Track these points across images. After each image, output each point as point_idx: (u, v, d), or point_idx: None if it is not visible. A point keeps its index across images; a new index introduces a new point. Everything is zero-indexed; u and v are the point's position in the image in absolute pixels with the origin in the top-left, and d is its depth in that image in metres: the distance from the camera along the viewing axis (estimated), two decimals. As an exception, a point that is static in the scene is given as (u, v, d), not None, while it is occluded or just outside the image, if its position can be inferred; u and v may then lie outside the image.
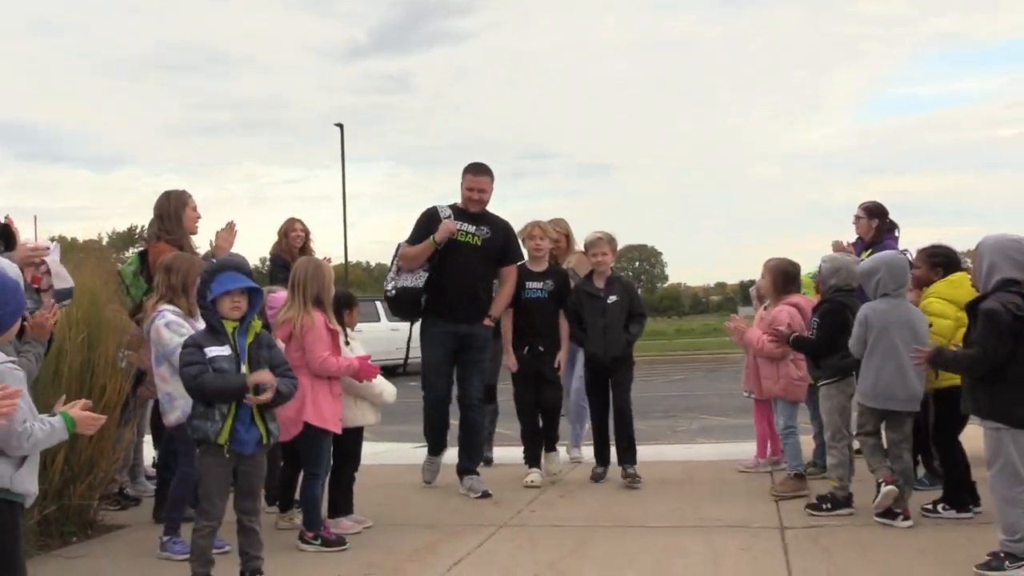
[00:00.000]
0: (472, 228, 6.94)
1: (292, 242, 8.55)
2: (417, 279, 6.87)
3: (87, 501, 5.93)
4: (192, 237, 6.60)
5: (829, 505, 5.83)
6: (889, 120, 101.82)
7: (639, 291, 8.21)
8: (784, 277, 6.76)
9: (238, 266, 4.50)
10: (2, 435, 3.25)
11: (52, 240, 5.43)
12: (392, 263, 7.11)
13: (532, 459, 7.30)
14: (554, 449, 7.56)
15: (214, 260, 5.29)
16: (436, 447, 7.20)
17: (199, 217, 6.62)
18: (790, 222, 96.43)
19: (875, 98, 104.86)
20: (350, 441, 5.84)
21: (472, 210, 6.97)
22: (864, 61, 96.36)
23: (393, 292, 6.97)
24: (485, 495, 6.75)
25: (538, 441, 7.35)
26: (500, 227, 7.09)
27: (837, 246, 7.15)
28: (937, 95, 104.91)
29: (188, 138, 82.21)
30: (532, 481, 7.07)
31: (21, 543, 3.59)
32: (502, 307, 7.09)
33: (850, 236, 7.43)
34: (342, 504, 5.85)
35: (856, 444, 5.94)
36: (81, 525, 5.91)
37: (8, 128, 68.73)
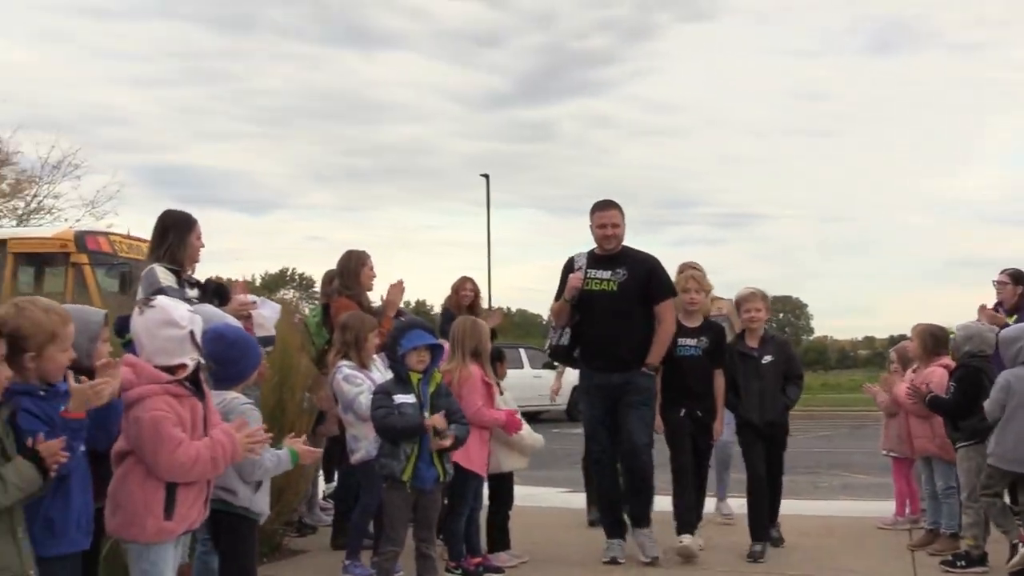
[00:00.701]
0: (606, 274, 6.55)
1: (461, 300, 8.97)
2: (564, 336, 6.68)
3: (276, 526, 6.68)
4: (368, 292, 7.37)
5: (964, 563, 6.05)
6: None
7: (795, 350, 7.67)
8: (934, 340, 6.94)
9: (423, 325, 5.22)
10: (245, 466, 3.95)
11: (247, 284, 6.29)
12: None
13: (687, 524, 6.52)
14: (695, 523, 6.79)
15: (402, 319, 6.02)
16: (611, 525, 6.59)
17: (375, 276, 7.37)
18: (938, 273, 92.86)
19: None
20: (503, 484, 6.45)
21: (607, 248, 6.57)
22: (1019, 107, 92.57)
23: (548, 350, 7.07)
24: (653, 562, 6.34)
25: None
26: (640, 263, 6.60)
27: (988, 316, 7.31)
28: None
29: (335, 184, 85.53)
30: (686, 543, 6.36)
31: (255, 555, 4.30)
32: (660, 352, 6.48)
33: (992, 297, 7.61)
34: (499, 540, 6.43)
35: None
36: (270, 548, 6.66)
37: (165, 171, 72.94)
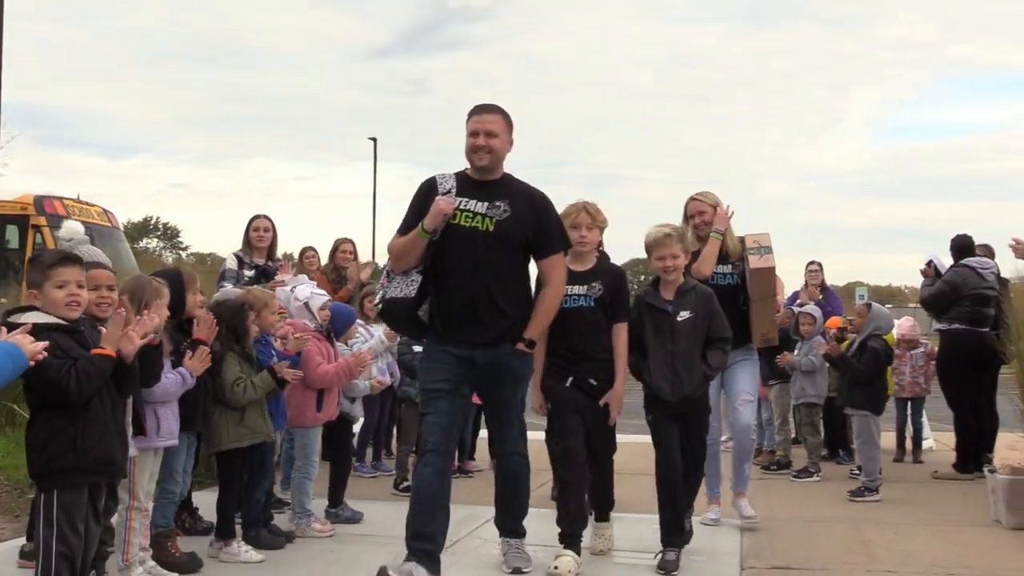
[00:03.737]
0: (481, 207, 4.70)
1: (339, 261, 8.74)
2: (409, 286, 4.74)
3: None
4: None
5: (795, 474, 8.61)
6: (904, 144, 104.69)
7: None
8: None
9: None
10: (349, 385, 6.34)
11: None
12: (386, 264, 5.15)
13: (570, 536, 5.07)
14: (606, 518, 5.48)
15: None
16: (422, 549, 4.58)
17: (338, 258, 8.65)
18: (798, 241, 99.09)
19: (892, 122, 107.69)
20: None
21: (479, 166, 4.73)
22: (883, 84, 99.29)
23: (380, 306, 4.96)
24: (516, 573, 4.92)
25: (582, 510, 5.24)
26: (528, 199, 4.82)
27: (810, 294, 9.25)
28: (953, 122, 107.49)
29: (203, 130, 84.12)
30: (557, 569, 4.86)
31: (350, 444, 6.87)
32: (544, 323, 4.86)
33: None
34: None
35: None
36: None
37: (25, 112, 70.43)
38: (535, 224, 4.79)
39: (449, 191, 4.74)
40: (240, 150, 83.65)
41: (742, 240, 6.08)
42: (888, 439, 8.63)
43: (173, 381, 4.52)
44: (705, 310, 5.26)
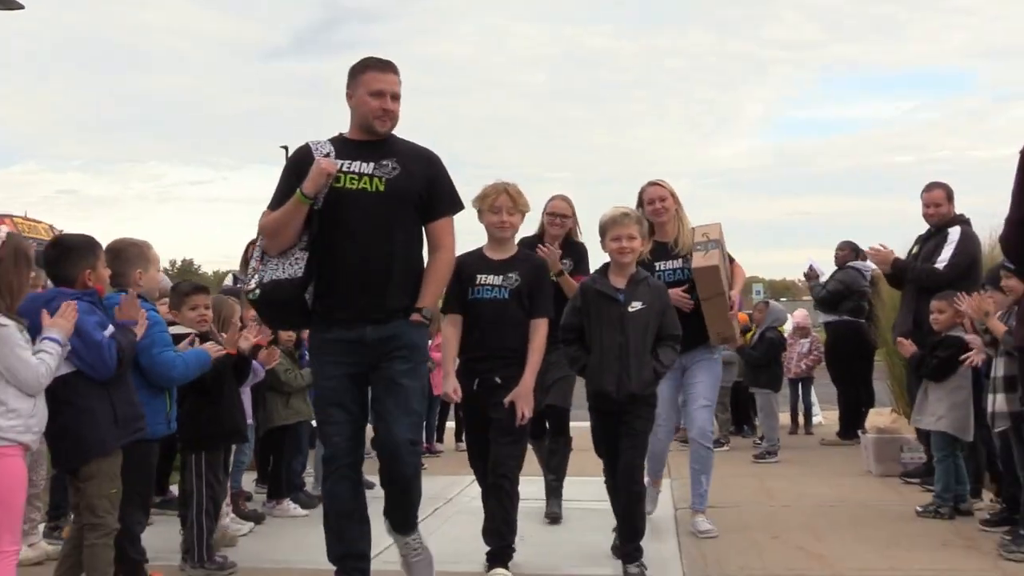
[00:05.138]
0: (367, 167, 4.21)
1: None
2: (293, 265, 4.16)
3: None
4: None
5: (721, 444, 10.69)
6: (793, 141, 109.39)
7: None
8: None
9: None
10: None
11: None
12: (254, 248, 4.36)
13: (496, 556, 4.77)
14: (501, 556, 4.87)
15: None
16: (357, 569, 4.26)
17: None
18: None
19: (781, 119, 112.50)
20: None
21: (381, 130, 4.25)
22: (772, 83, 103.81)
23: (257, 292, 4.18)
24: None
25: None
26: (417, 156, 4.34)
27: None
28: (840, 119, 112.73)
29: (89, 135, 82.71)
30: None
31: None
32: (437, 291, 4.41)
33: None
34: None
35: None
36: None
37: None
38: (427, 183, 4.29)
39: (327, 155, 4.20)
40: (130, 155, 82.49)
41: (694, 232, 5.76)
42: (784, 418, 10.38)
43: (251, 377, 5.88)
44: (658, 303, 4.88)
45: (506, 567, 4.77)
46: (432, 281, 4.30)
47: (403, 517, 4.37)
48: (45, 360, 3.65)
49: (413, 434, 4.22)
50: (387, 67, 4.27)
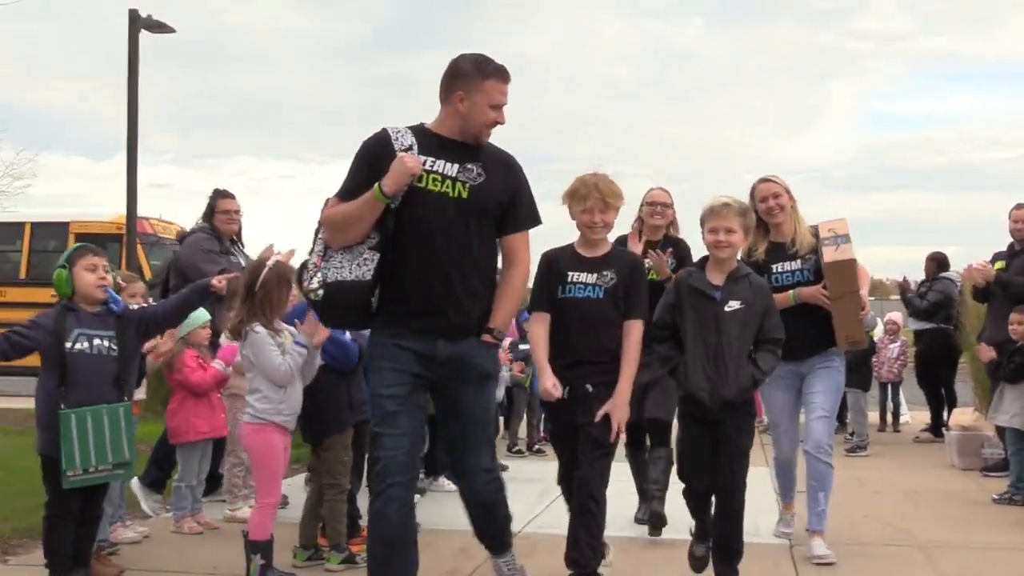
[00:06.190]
0: (452, 169, 3.94)
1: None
2: (361, 266, 3.88)
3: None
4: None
5: None
6: (884, 136, 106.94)
7: None
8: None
9: None
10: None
11: None
12: (314, 240, 4.02)
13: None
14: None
15: None
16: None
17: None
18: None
19: (873, 114, 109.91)
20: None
21: (484, 141, 4.05)
22: (863, 77, 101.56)
23: (321, 292, 3.88)
24: None
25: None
26: (504, 163, 4.10)
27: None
28: (935, 113, 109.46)
29: (181, 130, 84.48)
30: None
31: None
32: (511, 310, 4.17)
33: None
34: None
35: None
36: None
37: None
38: (509, 193, 4.04)
39: (409, 148, 3.88)
40: (220, 150, 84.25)
41: (815, 230, 5.38)
42: (873, 416, 11.23)
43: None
44: (760, 303, 4.52)
45: None
46: (506, 299, 4.09)
47: (491, 541, 4.31)
48: (288, 361, 4.73)
49: (487, 463, 4.13)
50: (508, 78, 4.03)
